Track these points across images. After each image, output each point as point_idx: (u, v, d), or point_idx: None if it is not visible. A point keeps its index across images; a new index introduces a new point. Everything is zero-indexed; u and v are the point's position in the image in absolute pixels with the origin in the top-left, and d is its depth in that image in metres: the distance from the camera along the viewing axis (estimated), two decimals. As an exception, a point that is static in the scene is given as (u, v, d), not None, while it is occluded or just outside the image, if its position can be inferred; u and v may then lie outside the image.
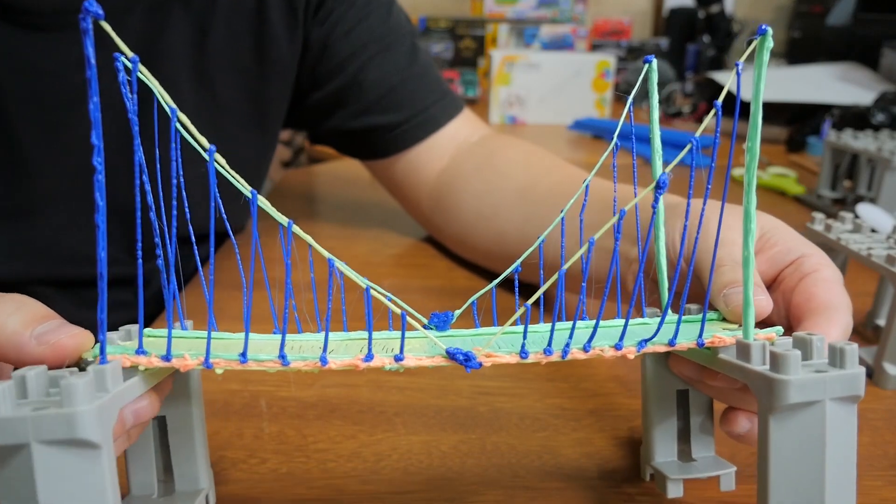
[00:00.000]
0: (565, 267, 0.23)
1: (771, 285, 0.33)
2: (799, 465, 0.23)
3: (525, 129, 1.27)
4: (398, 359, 0.24)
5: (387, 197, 0.69)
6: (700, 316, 0.26)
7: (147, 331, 0.26)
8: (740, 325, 0.26)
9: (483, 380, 0.43)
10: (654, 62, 0.27)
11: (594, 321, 0.25)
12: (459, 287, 0.56)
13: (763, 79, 0.23)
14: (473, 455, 0.36)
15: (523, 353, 0.24)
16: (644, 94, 0.30)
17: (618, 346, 0.25)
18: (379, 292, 0.24)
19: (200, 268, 0.27)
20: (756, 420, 0.27)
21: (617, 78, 1.34)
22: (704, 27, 1.49)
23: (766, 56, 0.23)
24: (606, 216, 0.24)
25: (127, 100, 0.21)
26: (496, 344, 0.25)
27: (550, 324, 0.25)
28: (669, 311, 0.27)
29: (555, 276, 0.24)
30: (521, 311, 0.24)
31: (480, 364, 0.24)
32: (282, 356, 0.23)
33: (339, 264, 0.25)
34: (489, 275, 0.58)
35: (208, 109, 0.56)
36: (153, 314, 0.53)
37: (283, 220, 0.23)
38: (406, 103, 0.61)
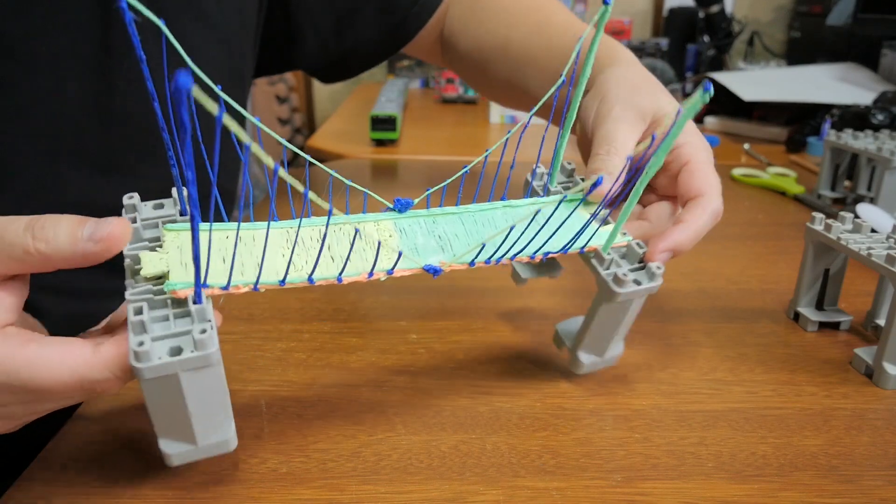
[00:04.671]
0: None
1: None
2: (605, 325, 0.38)
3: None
4: (389, 272, 0.32)
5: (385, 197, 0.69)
6: (576, 197, 0.39)
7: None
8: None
9: (483, 379, 0.43)
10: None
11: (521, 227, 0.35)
12: (460, 286, 0.56)
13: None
14: (473, 455, 0.36)
15: (472, 263, 0.34)
16: None
17: (531, 257, 0.35)
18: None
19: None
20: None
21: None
22: (704, 27, 1.49)
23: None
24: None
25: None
26: (456, 255, 0.34)
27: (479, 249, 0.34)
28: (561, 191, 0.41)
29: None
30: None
31: (442, 272, 0.33)
32: (310, 279, 0.31)
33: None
34: (489, 276, 0.58)
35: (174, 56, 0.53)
36: None
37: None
38: None
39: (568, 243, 0.35)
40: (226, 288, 0.29)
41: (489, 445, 0.37)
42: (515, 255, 0.35)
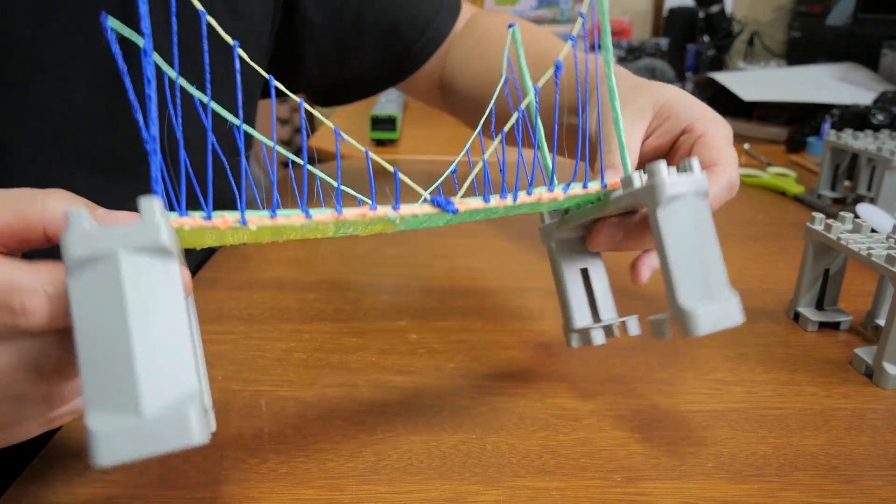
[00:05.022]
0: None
1: (671, 149, 0.42)
2: (682, 248, 0.30)
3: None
4: (395, 208, 0.29)
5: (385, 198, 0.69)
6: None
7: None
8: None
9: (483, 380, 0.43)
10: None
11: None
12: (460, 287, 0.56)
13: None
14: (473, 455, 0.36)
15: (486, 198, 0.31)
16: None
17: (550, 189, 0.33)
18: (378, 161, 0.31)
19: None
20: (649, 267, 0.39)
21: (617, 78, 1.34)
22: (704, 27, 1.49)
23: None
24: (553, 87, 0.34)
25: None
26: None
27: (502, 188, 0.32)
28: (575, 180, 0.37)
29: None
30: (478, 167, 0.32)
31: (457, 210, 0.30)
32: (304, 210, 0.27)
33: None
34: (489, 276, 0.58)
35: (188, 71, 0.53)
36: None
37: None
38: (410, 27, 0.63)
39: (574, 179, 0.34)
40: (208, 218, 0.25)
41: (489, 445, 0.37)
42: (532, 188, 0.32)
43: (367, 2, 0.61)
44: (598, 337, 0.37)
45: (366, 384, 0.42)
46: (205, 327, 0.48)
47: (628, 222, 0.38)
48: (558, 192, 0.33)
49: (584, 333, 0.38)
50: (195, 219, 0.24)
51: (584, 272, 0.40)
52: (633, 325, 0.37)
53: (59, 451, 0.36)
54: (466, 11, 0.68)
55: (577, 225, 0.39)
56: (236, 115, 0.30)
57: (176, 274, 0.22)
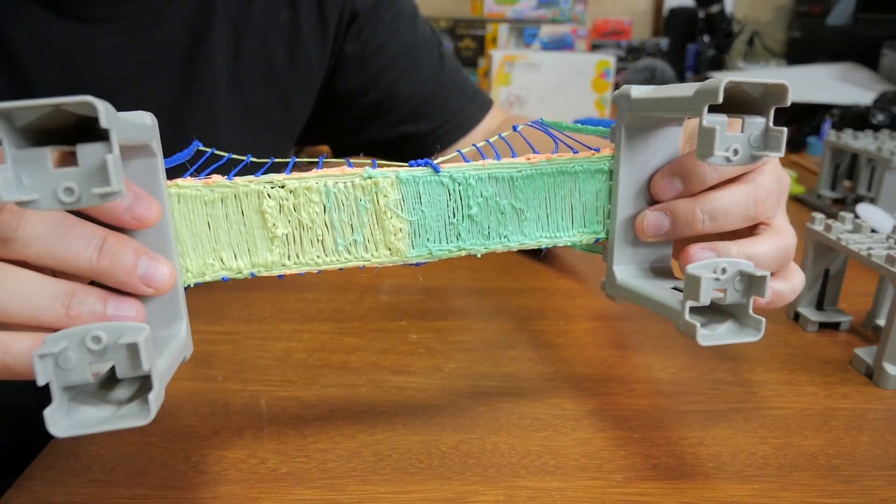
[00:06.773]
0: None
1: None
2: None
3: (525, 129, 1.27)
4: (374, 167, 0.32)
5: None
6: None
7: None
8: None
9: (483, 380, 0.43)
10: None
11: None
12: (460, 287, 0.56)
13: None
14: (473, 455, 0.36)
15: (465, 159, 0.32)
16: None
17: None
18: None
19: None
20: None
21: (617, 78, 1.34)
22: (704, 27, 1.49)
23: None
24: None
25: None
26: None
27: None
28: None
29: None
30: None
31: (439, 168, 0.31)
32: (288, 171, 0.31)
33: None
34: (489, 277, 0.58)
35: (242, 114, 0.57)
36: None
37: None
38: (438, 111, 0.65)
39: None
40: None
41: (489, 445, 0.37)
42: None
43: (404, 77, 0.63)
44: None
45: (366, 384, 0.42)
46: (205, 327, 0.49)
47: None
48: (539, 156, 0.33)
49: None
50: (215, 179, 0.29)
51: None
52: None
53: (59, 451, 0.36)
54: (499, 113, 0.69)
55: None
56: (277, 152, 0.32)
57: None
